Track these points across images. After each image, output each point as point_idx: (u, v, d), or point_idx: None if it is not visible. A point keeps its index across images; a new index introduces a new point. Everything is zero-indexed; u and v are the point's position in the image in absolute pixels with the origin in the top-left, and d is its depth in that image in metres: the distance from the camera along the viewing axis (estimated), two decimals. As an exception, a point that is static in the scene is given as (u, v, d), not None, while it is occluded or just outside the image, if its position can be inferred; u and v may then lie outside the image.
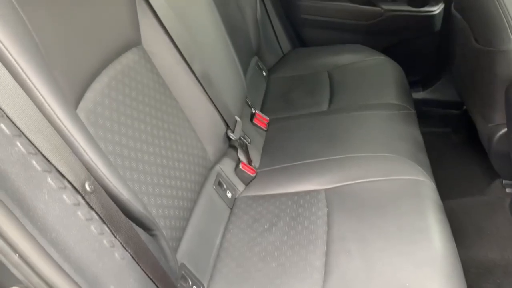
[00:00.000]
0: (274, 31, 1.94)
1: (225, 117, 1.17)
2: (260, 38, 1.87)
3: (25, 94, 0.58)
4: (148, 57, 0.99)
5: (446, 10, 1.85)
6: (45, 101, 0.61)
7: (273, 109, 1.60)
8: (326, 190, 1.11)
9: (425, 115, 2.04)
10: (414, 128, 1.39)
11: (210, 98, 1.12)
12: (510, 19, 1.18)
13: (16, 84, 0.58)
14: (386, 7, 1.87)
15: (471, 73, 1.50)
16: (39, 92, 0.61)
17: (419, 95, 2.06)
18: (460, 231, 1.31)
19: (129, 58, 0.92)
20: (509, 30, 1.19)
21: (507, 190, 1.50)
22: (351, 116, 1.42)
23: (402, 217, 0.99)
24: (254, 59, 1.81)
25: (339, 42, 1.91)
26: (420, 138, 1.37)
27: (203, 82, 1.10)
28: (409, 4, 1.87)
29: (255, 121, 1.46)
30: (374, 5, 1.88)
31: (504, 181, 1.53)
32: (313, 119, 1.46)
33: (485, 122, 1.42)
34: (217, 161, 1.18)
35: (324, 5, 1.92)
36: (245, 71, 1.69)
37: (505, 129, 1.33)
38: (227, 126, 1.20)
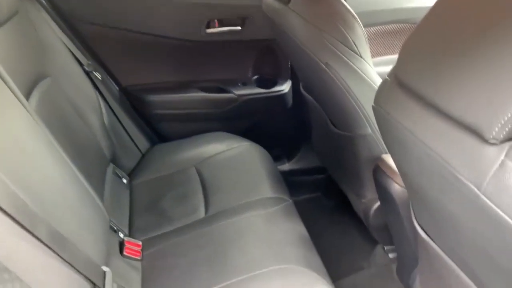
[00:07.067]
0: (127, 132, 1.77)
1: (89, 276, 0.96)
2: (113, 144, 1.68)
3: None
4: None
5: (294, 88, 1.92)
6: None
7: (144, 228, 1.41)
8: None
9: (294, 185, 2.07)
10: (296, 222, 1.34)
11: (67, 261, 0.90)
12: (362, 107, 1.22)
13: None
14: (238, 92, 1.86)
15: (333, 153, 1.54)
16: None
17: (285, 166, 2.09)
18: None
19: None
20: (363, 117, 1.23)
21: (390, 255, 1.54)
22: (231, 223, 1.31)
23: None
24: (110, 167, 1.61)
25: (199, 132, 1.82)
26: (304, 231, 1.33)
27: (53, 246, 0.88)
28: (259, 86, 1.89)
29: (125, 252, 1.26)
30: (227, 92, 1.86)
31: (385, 247, 1.57)
32: (192, 234, 1.31)
33: (358, 198, 1.46)
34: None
35: (175, 98, 1.83)
36: (102, 185, 1.48)
37: (378, 203, 1.37)
38: (94, 284, 0.98)
